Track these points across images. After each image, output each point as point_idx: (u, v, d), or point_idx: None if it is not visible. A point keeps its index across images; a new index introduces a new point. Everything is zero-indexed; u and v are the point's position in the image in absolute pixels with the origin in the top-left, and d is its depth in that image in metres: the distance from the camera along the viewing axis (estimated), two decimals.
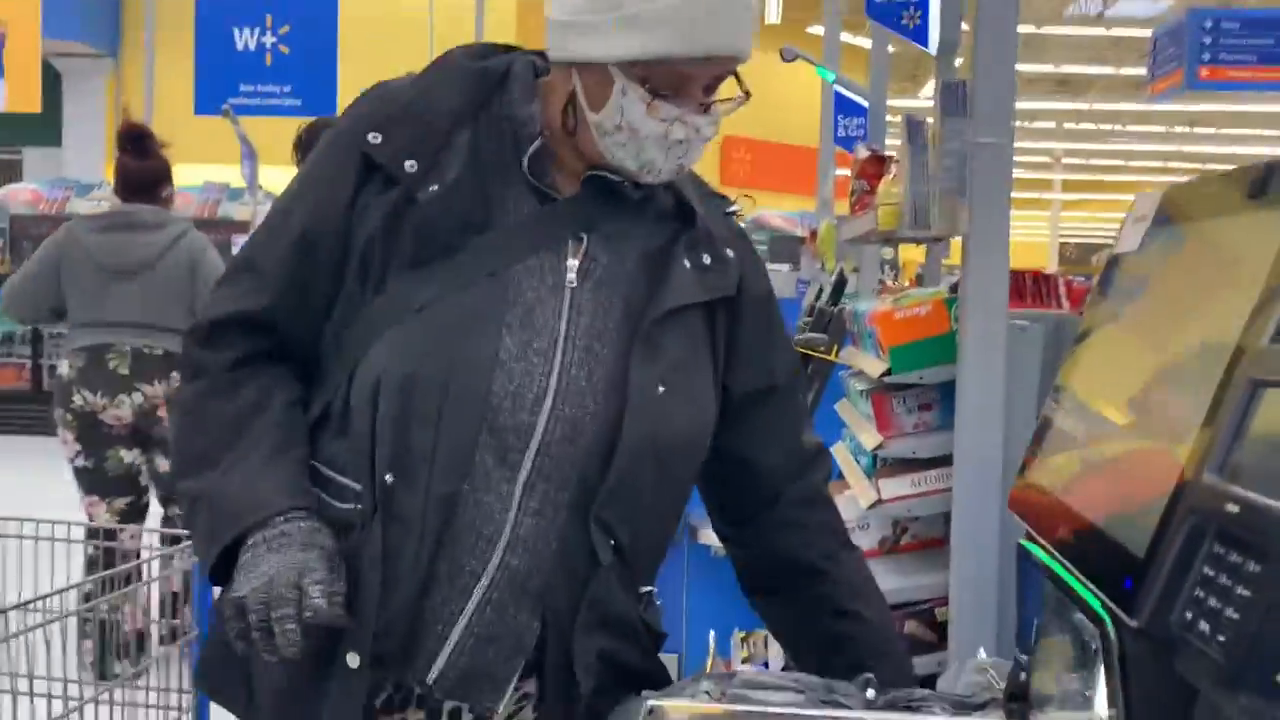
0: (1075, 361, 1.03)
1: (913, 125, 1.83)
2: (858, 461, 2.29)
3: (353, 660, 1.09)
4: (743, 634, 2.75)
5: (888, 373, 1.98)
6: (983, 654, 1.33)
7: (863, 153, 2.37)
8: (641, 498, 1.16)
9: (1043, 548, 0.94)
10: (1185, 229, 0.87)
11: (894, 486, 2.01)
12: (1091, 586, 0.80)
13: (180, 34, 9.30)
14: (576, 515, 1.14)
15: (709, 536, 3.16)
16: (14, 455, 8.17)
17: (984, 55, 1.81)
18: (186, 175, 11.67)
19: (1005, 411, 1.85)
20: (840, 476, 2.56)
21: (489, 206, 1.15)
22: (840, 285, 3.29)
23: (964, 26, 2.75)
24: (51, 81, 11.26)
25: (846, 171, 5.75)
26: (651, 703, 1.14)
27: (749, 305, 1.26)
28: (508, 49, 1.26)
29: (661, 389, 1.15)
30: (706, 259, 1.21)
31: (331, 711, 1.10)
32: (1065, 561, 0.87)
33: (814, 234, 4.88)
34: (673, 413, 1.16)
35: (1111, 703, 0.79)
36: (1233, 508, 0.61)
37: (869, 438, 2.08)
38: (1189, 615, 0.63)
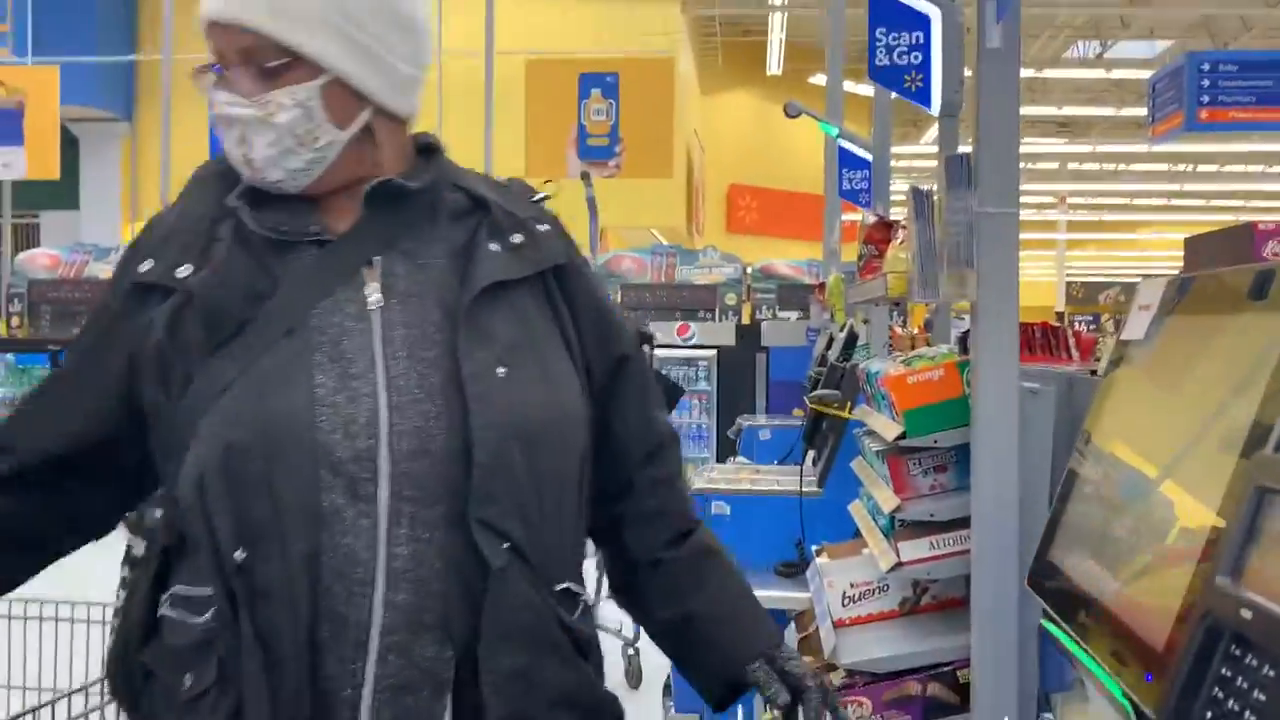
0: (1087, 450, 1.06)
1: (918, 196, 1.87)
2: (875, 521, 2.31)
3: None
4: None
5: (902, 436, 2.01)
6: None
7: (870, 218, 2.42)
8: (519, 487, 1.10)
9: (1063, 629, 0.97)
10: (1189, 325, 0.91)
11: (913, 549, 2.03)
12: (1113, 674, 0.83)
13: (195, 96, 9.48)
14: (456, 527, 1.08)
15: None
16: None
17: (987, 126, 1.85)
18: None
19: (1020, 474, 1.88)
20: (858, 535, 2.58)
21: (270, 273, 1.13)
22: (851, 340, 3.32)
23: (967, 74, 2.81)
24: (68, 146, 11.46)
25: (854, 217, 5.81)
26: None
27: (578, 279, 1.24)
28: None
29: (501, 370, 1.11)
30: (516, 238, 1.19)
31: None
32: (1086, 646, 0.89)
33: (822, 286, 4.92)
34: (521, 392, 1.12)
35: None
36: (1246, 613, 0.63)
37: (886, 500, 2.11)
38: (1209, 715, 0.65)
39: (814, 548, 2.78)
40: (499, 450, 1.08)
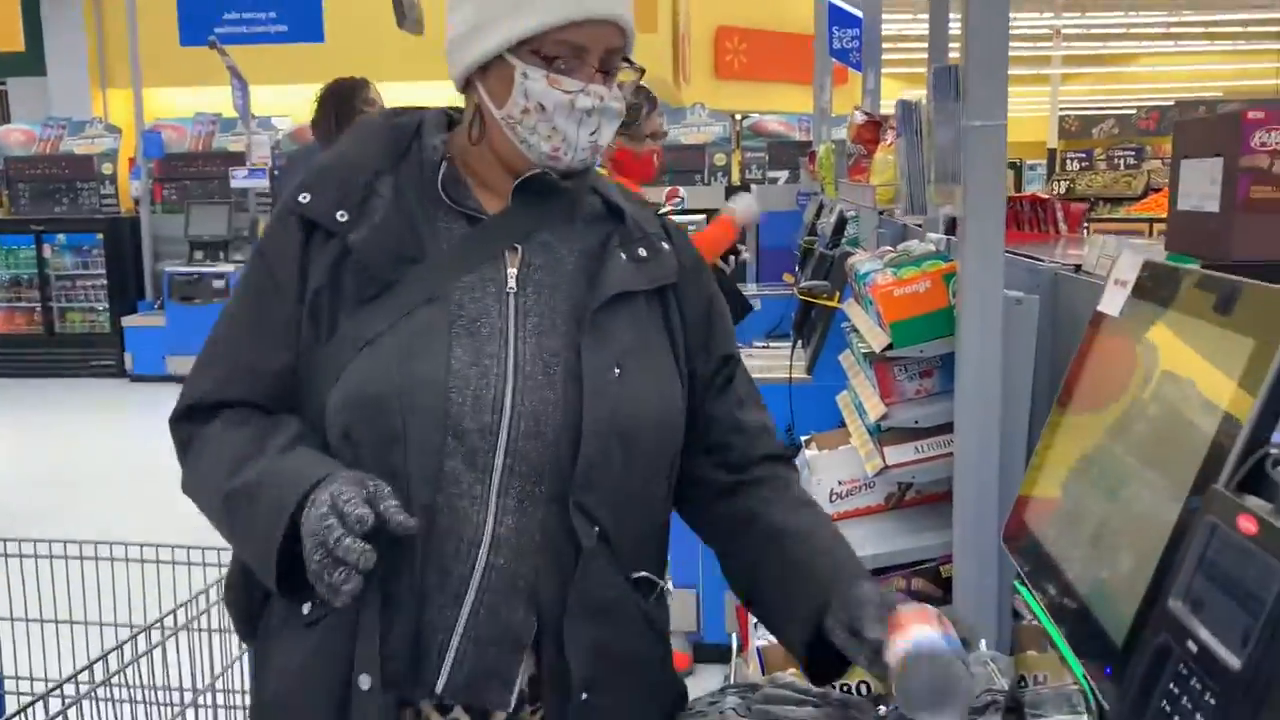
0: (1060, 423, 1.11)
1: (906, 109, 1.86)
2: (862, 420, 2.38)
3: (364, 682, 1.13)
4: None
5: (890, 346, 2.06)
6: (984, 647, 1.43)
7: (859, 118, 2.38)
8: (615, 479, 1.19)
9: (1035, 598, 1.04)
10: (1160, 324, 0.94)
11: (898, 454, 2.10)
12: (1078, 659, 0.90)
13: None
14: (556, 506, 1.17)
15: None
16: (28, 396, 8.30)
17: (975, 38, 1.82)
18: (176, 104, 11.53)
19: (1003, 382, 1.93)
20: (842, 424, 2.66)
21: (419, 239, 1.21)
22: (841, 225, 3.32)
23: None
24: (32, 13, 11.04)
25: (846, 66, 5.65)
26: None
27: (692, 288, 1.32)
28: (420, 109, 1.33)
29: (617, 371, 1.19)
30: (642, 252, 1.28)
31: None
32: (1056, 623, 0.96)
33: (813, 155, 4.86)
34: (631, 394, 1.20)
35: None
36: (1192, 646, 0.69)
37: (874, 406, 2.17)
38: None
39: (803, 438, 2.87)
40: (604, 444, 1.16)
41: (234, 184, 8.74)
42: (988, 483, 1.94)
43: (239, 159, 9.05)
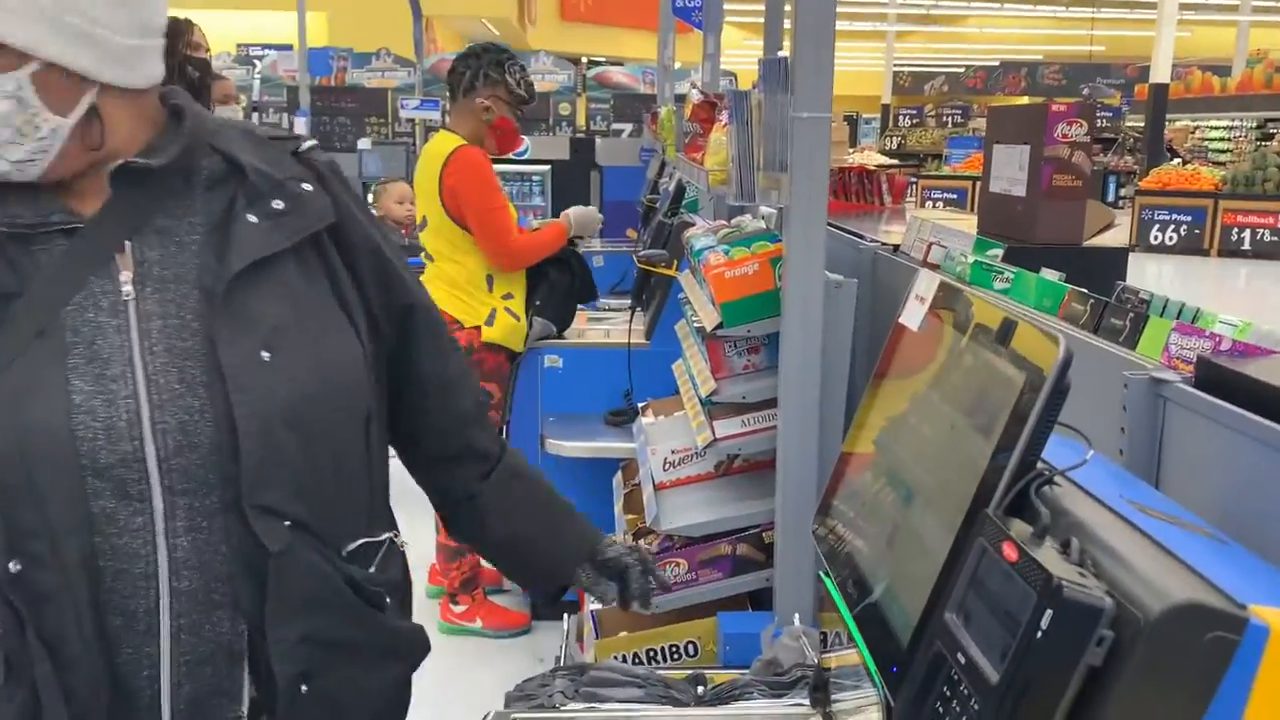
0: (873, 403, 1.18)
1: (736, 98, 1.91)
2: (695, 390, 2.46)
3: None
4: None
5: (720, 325, 2.13)
6: (797, 621, 1.53)
7: (695, 97, 2.43)
8: (296, 467, 1.10)
9: (836, 589, 1.12)
10: (951, 345, 1.02)
11: (726, 426, 2.19)
12: (870, 653, 0.98)
13: None
14: (234, 514, 1.08)
15: (557, 446, 3.34)
16: None
17: (804, 32, 1.89)
18: None
19: (823, 360, 2.03)
20: (677, 393, 2.74)
21: (16, 270, 1.07)
22: (679, 194, 3.38)
23: None
24: None
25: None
26: (497, 711, 1.27)
27: (353, 230, 1.22)
28: None
29: (266, 354, 1.09)
30: (278, 204, 1.14)
31: None
32: (853, 616, 1.05)
33: (655, 115, 4.90)
34: (289, 375, 1.10)
35: None
36: (961, 658, 0.78)
37: (704, 381, 2.25)
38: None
39: (640, 405, 2.94)
40: (266, 438, 1.07)
41: None
42: (808, 455, 2.05)
43: None
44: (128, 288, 1.09)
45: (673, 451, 2.46)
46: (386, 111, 9.94)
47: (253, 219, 1.12)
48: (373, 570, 1.20)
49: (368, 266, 1.22)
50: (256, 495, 1.07)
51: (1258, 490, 1.05)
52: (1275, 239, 14.10)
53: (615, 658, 1.76)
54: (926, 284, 1.13)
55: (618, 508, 2.84)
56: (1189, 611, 0.67)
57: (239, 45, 12.39)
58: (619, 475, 3.03)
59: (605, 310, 4.09)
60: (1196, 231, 14.48)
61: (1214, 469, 1.17)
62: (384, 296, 1.24)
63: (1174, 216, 14.59)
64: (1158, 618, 0.67)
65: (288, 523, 1.09)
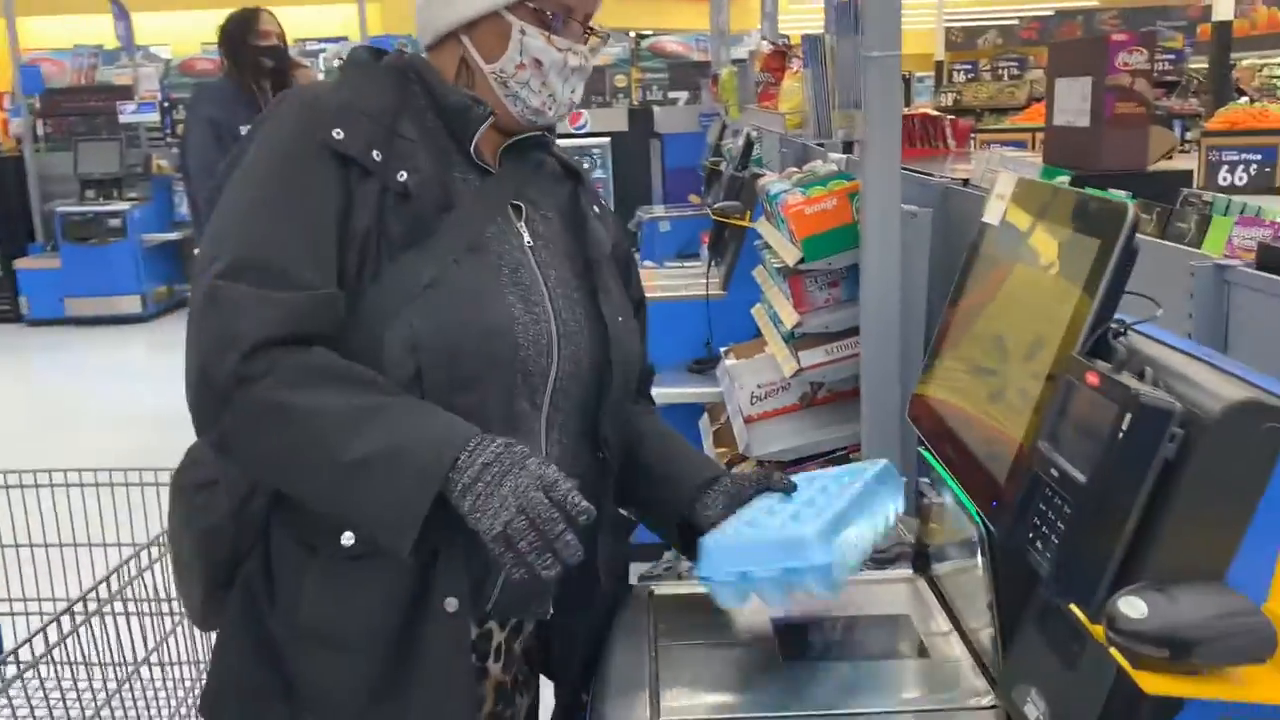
0: (952, 319, 1.32)
1: (811, 43, 2.04)
2: (777, 329, 2.60)
3: (451, 605, 1.19)
4: None
5: (802, 260, 2.27)
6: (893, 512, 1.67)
7: (765, 48, 2.55)
8: (622, 410, 1.36)
9: (934, 457, 1.27)
10: (1030, 230, 1.16)
11: (811, 356, 2.33)
12: (970, 498, 1.13)
13: None
14: (584, 436, 1.31)
15: None
16: None
17: None
18: (49, 35, 10.96)
19: (901, 289, 2.16)
20: (759, 334, 2.88)
21: (447, 188, 1.24)
22: (748, 148, 3.51)
23: None
24: None
25: None
26: (650, 586, 1.43)
27: (618, 238, 1.46)
28: (380, 51, 1.34)
29: (620, 319, 1.34)
30: (596, 209, 1.41)
31: (435, 659, 1.19)
32: (952, 474, 1.19)
33: (715, 77, 5.01)
34: (630, 336, 1.36)
35: (986, 572, 1.14)
36: (1054, 472, 0.92)
37: (788, 315, 2.39)
38: (1030, 535, 0.95)
39: (722, 349, 3.09)
40: (622, 379, 1.33)
41: (123, 119, 8.43)
42: (890, 378, 2.18)
43: (126, 93, 8.73)
44: (527, 237, 1.30)
45: (759, 386, 2.61)
46: None
47: (594, 214, 1.39)
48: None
49: (629, 271, 1.47)
50: (605, 425, 1.31)
51: None
52: None
53: None
54: (1006, 182, 1.26)
55: (707, 444, 2.99)
56: (1248, 408, 0.81)
57: (295, 40, 12.68)
58: (705, 416, 3.18)
59: (679, 269, 4.24)
60: (1268, 170, 14.05)
61: (1278, 341, 1.29)
62: (630, 294, 1.46)
63: (1243, 156, 14.17)
64: (1221, 413, 0.81)
65: (606, 453, 1.32)
